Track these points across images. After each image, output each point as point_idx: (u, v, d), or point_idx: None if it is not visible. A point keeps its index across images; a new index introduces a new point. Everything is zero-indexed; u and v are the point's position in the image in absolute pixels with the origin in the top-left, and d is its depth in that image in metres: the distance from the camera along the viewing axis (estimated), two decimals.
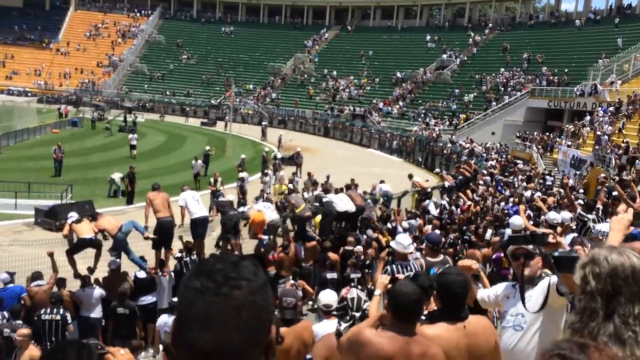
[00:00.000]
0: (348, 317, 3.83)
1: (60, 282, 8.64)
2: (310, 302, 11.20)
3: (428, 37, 60.66)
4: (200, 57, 68.24)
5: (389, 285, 4.93)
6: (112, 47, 70.06)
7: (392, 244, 6.56)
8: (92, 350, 2.14)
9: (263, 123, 46.91)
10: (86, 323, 8.40)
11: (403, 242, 6.15)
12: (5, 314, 7.47)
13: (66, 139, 35.04)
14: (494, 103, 43.64)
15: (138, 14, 75.66)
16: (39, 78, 63.88)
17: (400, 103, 51.21)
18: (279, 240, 12.09)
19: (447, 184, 17.98)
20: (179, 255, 9.76)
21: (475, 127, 41.74)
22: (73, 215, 9.72)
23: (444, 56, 55.72)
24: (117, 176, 20.23)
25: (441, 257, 6.39)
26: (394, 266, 6.01)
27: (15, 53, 66.37)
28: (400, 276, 5.11)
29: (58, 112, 45.54)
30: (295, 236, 11.91)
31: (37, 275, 8.52)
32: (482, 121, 42.13)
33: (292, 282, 10.47)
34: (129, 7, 76.70)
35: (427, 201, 16.26)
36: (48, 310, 7.52)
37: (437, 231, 10.62)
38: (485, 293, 3.76)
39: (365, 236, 12.34)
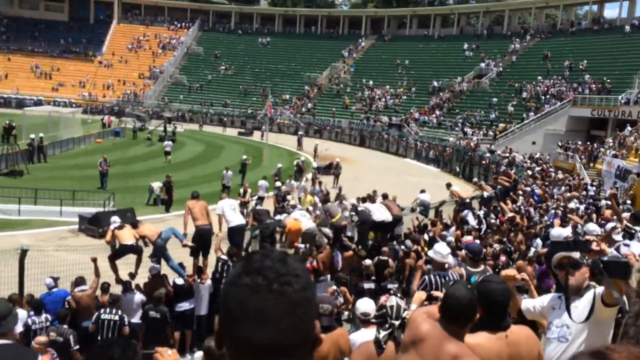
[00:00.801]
0: (387, 325, 3.79)
1: (105, 287, 8.86)
2: (347, 312, 11.17)
3: (465, 46, 60.02)
4: (237, 68, 69.30)
5: (425, 302, 4.86)
6: (153, 59, 71.90)
7: (430, 253, 6.48)
8: (136, 348, 2.17)
9: (299, 133, 47.19)
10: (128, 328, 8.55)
11: (441, 251, 6.06)
12: (49, 316, 7.71)
13: (109, 148, 36.09)
14: (532, 114, 42.77)
15: (178, 27, 77.50)
16: (83, 89, 66.02)
17: (437, 112, 50.73)
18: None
19: (486, 194, 17.64)
20: (224, 257, 9.76)
21: (514, 136, 40.96)
22: (116, 221, 9.96)
23: (482, 65, 55.01)
24: (156, 185, 20.67)
25: (482, 267, 6.26)
26: (432, 276, 5.93)
27: (61, 65, 68.81)
28: (437, 293, 5.03)
29: (101, 123, 46.94)
30: (331, 245, 11.92)
31: (80, 281, 8.74)
32: (521, 130, 41.31)
33: (334, 287, 10.48)
34: (170, 20, 78.64)
35: (466, 211, 16.00)
36: (107, 310, 7.79)
37: (477, 241, 10.43)
38: (531, 303, 3.66)
39: (403, 247, 12.23)
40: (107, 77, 68.26)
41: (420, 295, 4.93)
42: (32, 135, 28.44)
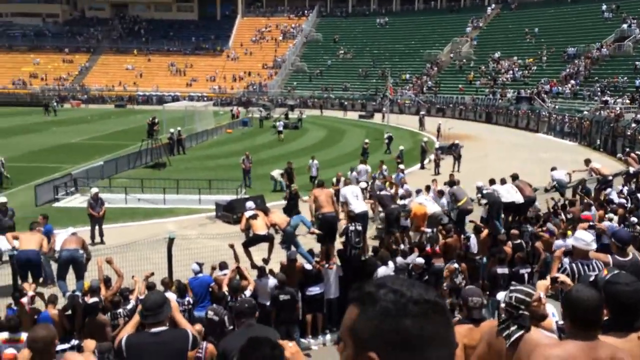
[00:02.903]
0: (516, 315, 3.64)
1: (239, 272, 9.44)
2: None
3: (604, 7, 54.55)
4: (356, 51, 69.43)
5: (550, 288, 4.57)
6: (275, 48, 74.46)
7: (571, 240, 6.05)
8: (282, 349, 2.30)
9: (421, 112, 46.26)
10: (262, 311, 9.06)
11: (585, 238, 5.62)
12: (190, 299, 8.43)
13: (238, 138, 38.22)
14: None
15: (297, 15, 79.38)
16: (213, 83, 70.33)
17: (573, 82, 46.87)
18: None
19: (632, 169, 16.06)
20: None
21: None
22: (251, 207, 10.51)
23: (624, 26, 49.67)
24: (276, 173, 21.47)
25: (630, 255, 5.72)
26: (574, 265, 5.54)
27: (194, 62, 73.81)
28: (563, 277, 4.69)
29: (231, 114, 49.74)
30: (455, 229, 11.64)
31: (223, 265, 9.42)
32: None
33: (455, 265, 10.25)
34: (289, 10, 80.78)
35: (609, 190, 14.72)
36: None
37: (618, 224, 9.56)
38: None
39: (533, 228, 11.60)
40: (234, 69, 71.99)
41: (544, 282, 4.63)
42: (172, 130, 30.94)
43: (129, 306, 7.75)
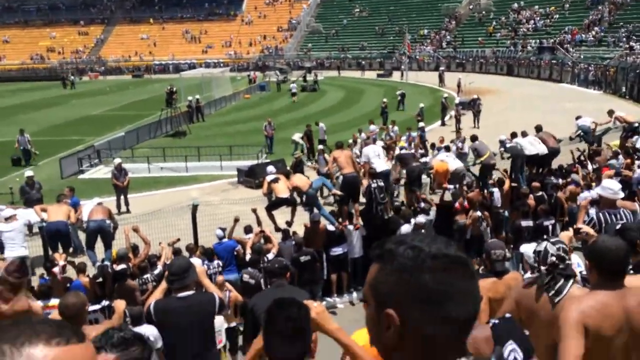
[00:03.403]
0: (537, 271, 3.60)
1: (264, 235, 9.54)
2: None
3: None
4: (372, 9, 67.88)
5: (573, 238, 4.49)
6: (289, 10, 73.20)
7: (598, 189, 5.94)
8: (308, 309, 2.32)
9: (440, 68, 45.34)
10: None
11: (612, 187, 5.50)
12: (220, 262, 8.58)
13: (256, 103, 38.10)
14: None
15: None
16: (229, 49, 69.75)
17: (597, 29, 45.27)
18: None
19: None
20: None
21: None
22: (272, 171, 10.56)
23: None
24: (297, 137, 21.39)
25: None
26: (601, 214, 5.45)
27: (208, 28, 73.12)
28: (586, 228, 4.61)
29: (248, 79, 49.46)
30: (477, 183, 11.54)
31: (248, 229, 9.53)
32: None
33: (478, 213, 10.21)
34: None
35: (636, 137, 14.34)
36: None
37: None
38: None
39: (557, 180, 11.44)
40: (249, 34, 71.17)
41: (567, 233, 4.56)
42: (190, 97, 30.94)
43: (156, 271, 7.92)
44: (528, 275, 4.56)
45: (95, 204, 10.15)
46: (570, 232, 4.52)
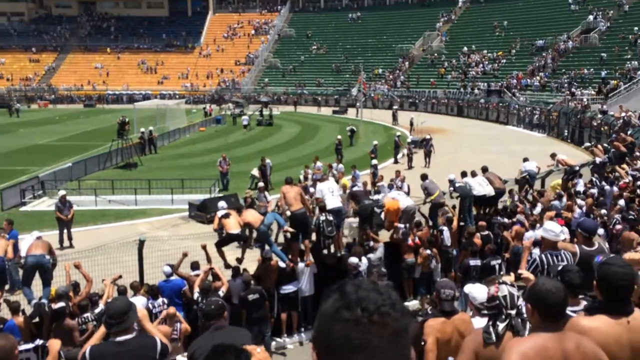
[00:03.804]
0: (504, 316, 3.65)
1: (213, 273, 9.33)
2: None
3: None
4: (329, 47, 69.40)
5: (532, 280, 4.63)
6: (247, 45, 73.90)
7: (540, 231, 6.11)
8: (248, 354, 2.26)
9: (394, 107, 46.49)
10: (235, 311, 8.97)
11: (554, 229, 5.67)
12: (165, 300, 8.32)
13: (211, 136, 37.86)
14: None
15: (269, 11, 78.90)
16: (185, 81, 69.51)
17: (541, 74, 47.66)
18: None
19: (598, 159, 16.39)
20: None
21: (630, 93, 37.48)
22: (223, 207, 10.40)
23: (590, 18, 50.67)
24: (256, 171, 21.28)
25: (596, 245, 5.81)
26: (543, 256, 5.60)
27: (165, 59, 72.80)
28: (526, 273, 4.79)
29: (204, 111, 49.24)
30: (426, 222, 11.75)
31: (195, 265, 9.29)
32: (638, 86, 37.67)
33: (428, 251, 10.34)
34: (261, 5, 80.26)
35: (577, 180, 15.00)
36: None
37: (586, 215, 9.74)
38: None
39: (503, 220, 11.76)
40: (206, 66, 71.23)
41: (509, 277, 4.71)
42: (142, 129, 30.46)
43: (97, 310, 7.59)
44: (478, 319, 4.61)
45: (35, 238, 9.71)
46: (511, 277, 4.65)
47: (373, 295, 1.13)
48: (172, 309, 7.72)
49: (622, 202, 11.16)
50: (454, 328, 4.71)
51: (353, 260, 9.25)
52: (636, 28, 44.75)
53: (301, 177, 18.05)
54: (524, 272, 4.80)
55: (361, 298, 1.12)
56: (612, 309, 3.08)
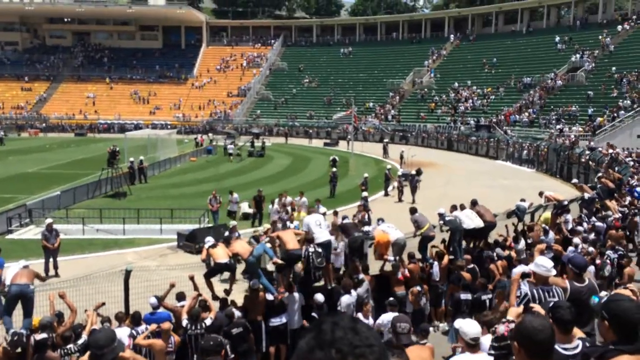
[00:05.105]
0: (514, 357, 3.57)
1: (203, 302, 9.18)
2: (441, 325, 10.85)
3: (557, 39, 57.00)
4: (321, 80, 70.27)
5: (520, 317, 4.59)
6: (240, 77, 74.64)
7: (532, 266, 6.10)
8: None
9: (384, 140, 46.87)
10: None
11: (545, 264, 5.66)
12: (148, 327, 8.12)
13: (202, 166, 37.83)
14: (636, 105, 39.59)
15: (262, 44, 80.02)
16: (177, 111, 69.81)
17: (530, 110, 48.45)
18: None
19: (587, 195, 16.52)
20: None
21: (617, 130, 38.13)
22: (210, 240, 10.36)
23: (577, 56, 51.90)
24: (244, 206, 21.19)
25: (587, 281, 5.80)
26: (534, 291, 5.57)
27: (157, 90, 73.24)
28: (537, 307, 4.74)
29: (195, 142, 49.33)
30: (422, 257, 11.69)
31: (181, 296, 9.14)
32: (624, 124, 38.38)
33: (418, 288, 10.26)
34: (254, 39, 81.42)
35: (566, 216, 15.06)
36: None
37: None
38: None
39: (492, 253, 11.73)
40: (198, 98, 71.70)
41: (517, 310, 4.66)
42: (132, 159, 30.36)
43: (81, 341, 7.41)
44: (469, 355, 4.55)
45: (21, 267, 9.54)
46: (520, 309, 4.62)
47: (349, 336, 1.08)
48: (167, 324, 7.64)
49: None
50: (414, 357, 4.68)
51: (319, 298, 9.23)
52: (616, 68, 45.86)
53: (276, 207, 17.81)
54: (535, 305, 4.78)
55: (336, 338, 1.08)
56: (630, 347, 2.97)
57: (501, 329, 3.65)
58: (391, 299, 9.79)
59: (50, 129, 64.01)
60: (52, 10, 78.70)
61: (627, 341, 2.98)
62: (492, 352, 3.64)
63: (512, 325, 3.65)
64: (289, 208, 18.23)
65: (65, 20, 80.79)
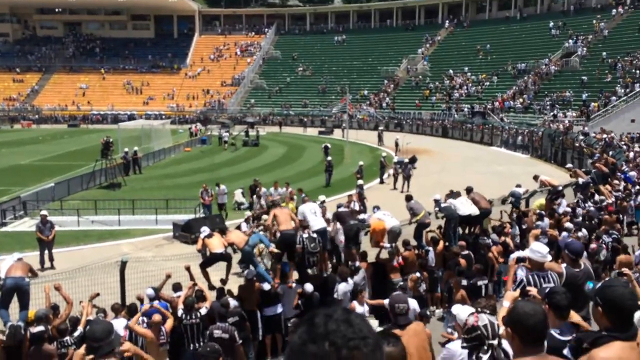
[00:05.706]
0: (486, 347, 3.51)
1: (199, 292, 9.18)
2: (437, 311, 10.90)
3: (551, 24, 56.85)
4: (315, 68, 69.96)
5: (519, 298, 4.60)
6: (233, 66, 74.20)
7: (527, 252, 6.11)
8: None
9: (379, 128, 46.81)
10: None
11: (540, 250, 5.66)
12: (145, 319, 8.12)
13: (197, 156, 37.71)
14: (628, 90, 39.60)
15: (255, 33, 79.49)
16: (171, 101, 69.41)
17: (524, 96, 48.45)
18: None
19: (581, 180, 16.58)
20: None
21: (610, 115, 38.18)
22: (205, 230, 10.33)
23: (570, 42, 51.82)
24: (238, 193, 21.14)
25: (582, 266, 5.82)
26: (530, 277, 5.59)
27: (150, 80, 72.75)
28: (533, 290, 4.76)
29: (189, 132, 49.12)
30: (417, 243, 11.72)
31: (177, 287, 9.14)
32: (618, 109, 38.44)
33: (417, 274, 10.28)
34: (247, 27, 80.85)
35: (561, 200, 15.11)
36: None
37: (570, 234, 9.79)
38: None
39: (488, 240, 11.77)
40: (192, 87, 71.30)
41: (513, 293, 4.67)
42: (126, 149, 30.19)
43: (77, 333, 7.40)
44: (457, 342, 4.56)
45: (15, 260, 9.49)
46: (516, 293, 4.64)
47: (343, 328, 1.07)
48: (157, 316, 7.64)
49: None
50: (409, 336, 4.82)
51: (307, 288, 9.24)
52: (606, 53, 45.83)
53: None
54: (531, 289, 4.82)
55: (329, 331, 1.06)
56: (622, 334, 2.97)
57: (471, 319, 3.59)
58: (401, 282, 9.83)
59: (43, 121, 63.60)
60: (43, 0, 77.81)
61: (621, 328, 2.97)
62: (465, 344, 3.58)
63: (481, 316, 3.61)
64: (277, 198, 18.08)
65: (56, 10, 79.90)
